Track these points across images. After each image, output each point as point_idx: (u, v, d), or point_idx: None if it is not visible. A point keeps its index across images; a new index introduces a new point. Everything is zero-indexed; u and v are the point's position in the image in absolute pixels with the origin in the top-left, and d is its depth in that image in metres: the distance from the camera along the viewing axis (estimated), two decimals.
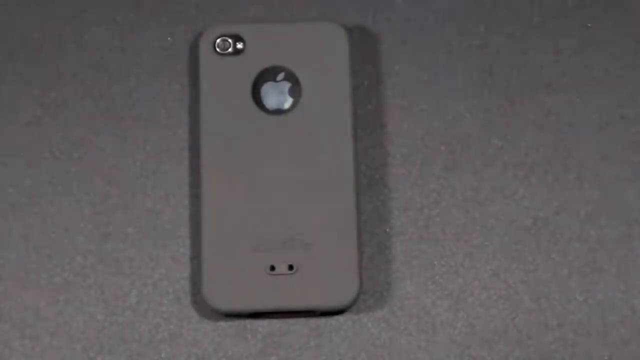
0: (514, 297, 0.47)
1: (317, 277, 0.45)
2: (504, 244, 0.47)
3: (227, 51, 0.48)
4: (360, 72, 0.49)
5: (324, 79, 0.47)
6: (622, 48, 0.49)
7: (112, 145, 0.48)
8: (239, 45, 0.48)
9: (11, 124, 0.48)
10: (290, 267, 0.46)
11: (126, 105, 0.49)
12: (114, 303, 0.47)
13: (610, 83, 0.49)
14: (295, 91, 0.47)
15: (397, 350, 0.46)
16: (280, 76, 0.48)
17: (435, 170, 0.48)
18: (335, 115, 0.47)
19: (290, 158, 0.46)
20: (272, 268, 0.46)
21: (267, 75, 0.47)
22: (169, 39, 0.49)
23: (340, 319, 0.47)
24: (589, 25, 0.50)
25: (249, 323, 0.47)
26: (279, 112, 0.47)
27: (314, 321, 0.47)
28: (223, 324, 0.47)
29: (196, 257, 0.47)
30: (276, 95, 0.47)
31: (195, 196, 0.48)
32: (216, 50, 0.48)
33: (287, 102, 0.47)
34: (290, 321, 0.47)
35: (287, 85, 0.48)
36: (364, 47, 0.49)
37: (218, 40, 0.48)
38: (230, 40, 0.48)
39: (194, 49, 0.49)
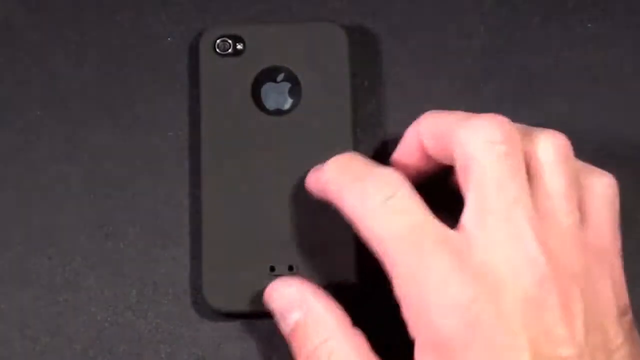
0: None
1: (316, 277, 0.45)
2: None
3: (227, 52, 0.48)
4: (360, 72, 0.49)
5: (324, 79, 0.47)
6: (622, 48, 0.49)
7: (112, 145, 0.48)
8: (239, 46, 0.48)
9: (11, 124, 0.48)
10: (290, 268, 0.46)
11: (126, 105, 0.49)
12: (114, 303, 0.47)
13: (610, 83, 0.49)
14: (295, 92, 0.47)
15: None
16: (280, 77, 0.48)
17: None
18: (335, 116, 0.47)
19: (290, 158, 0.46)
20: (272, 269, 0.46)
21: (266, 75, 0.47)
22: (168, 39, 0.49)
23: None
24: (589, 25, 0.50)
25: (249, 323, 0.47)
26: (279, 112, 0.47)
27: None
28: (223, 324, 0.47)
29: (196, 257, 0.47)
30: (276, 96, 0.47)
31: (195, 196, 0.48)
32: (216, 51, 0.48)
33: (287, 103, 0.47)
34: None
35: (287, 85, 0.48)
36: (364, 47, 0.49)
37: (218, 41, 0.48)
38: (230, 41, 0.48)
39: (193, 49, 0.49)
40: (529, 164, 0.40)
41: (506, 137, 0.39)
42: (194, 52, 0.49)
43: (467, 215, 0.39)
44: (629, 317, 0.40)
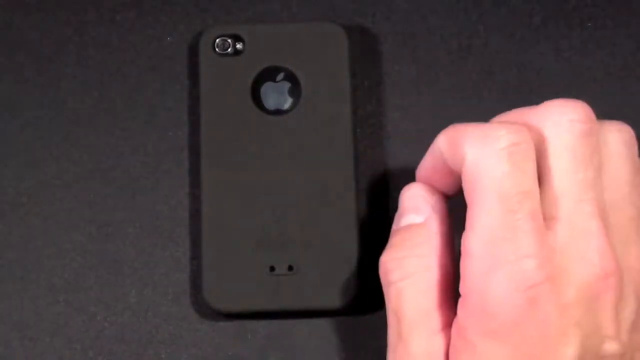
0: None
1: (316, 277, 0.45)
2: None
3: (226, 51, 0.48)
4: (360, 72, 0.49)
5: (324, 79, 0.47)
6: (622, 48, 0.49)
7: (112, 145, 0.48)
8: (239, 46, 0.48)
9: (11, 124, 0.48)
10: (290, 268, 0.46)
11: (126, 105, 0.49)
12: (113, 303, 0.47)
13: (610, 83, 0.49)
14: (295, 91, 0.47)
15: None
16: (280, 76, 0.48)
17: None
18: (335, 115, 0.47)
19: (290, 158, 0.46)
20: (272, 269, 0.46)
21: (266, 75, 0.47)
22: (168, 39, 0.49)
23: (340, 319, 0.47)
24: (589, 25, 0.50)
25: (249, 323, 0.47)
26: (278, 112, 0.47)
27: (314, 321, 0.47)
28: (223, 324, 0.47)
29: (196, 257, 0.47)
30: (276, 96, 0.47)
31: (195, 196, 0.48)
32: (216, 51, 0.48)
33: (287, 103, 0.47)
34: (290, 321, 0.47)
35: (286, 85, 0.48)
36: (364, 47, 0.49)
37: (218, 41, 0.47)
38: (230, 41, 0.48)
39: (193, 49, 0.49)
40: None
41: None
42: (193, 52, 0.49)
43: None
44: None
